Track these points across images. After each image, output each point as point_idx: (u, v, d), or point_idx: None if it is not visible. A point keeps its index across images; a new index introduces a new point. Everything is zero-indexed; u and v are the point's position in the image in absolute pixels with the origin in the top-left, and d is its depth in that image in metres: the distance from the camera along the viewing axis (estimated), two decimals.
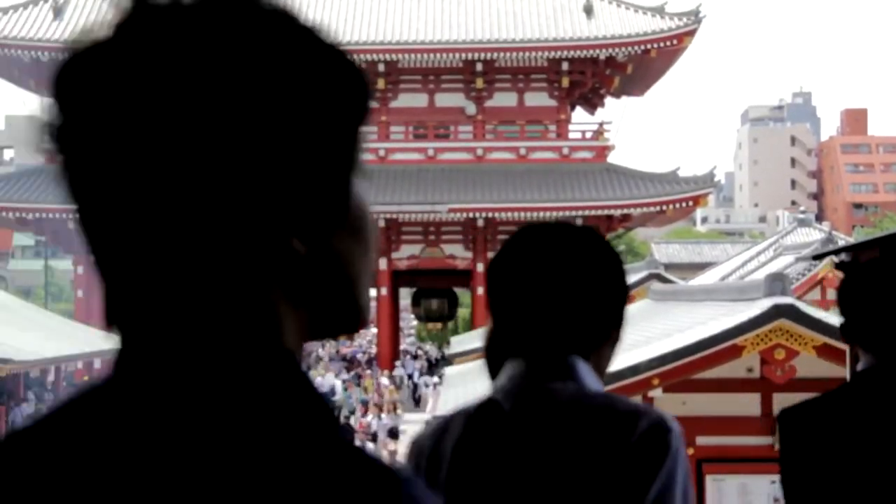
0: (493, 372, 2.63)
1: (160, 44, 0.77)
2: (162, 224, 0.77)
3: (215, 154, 0.76)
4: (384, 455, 17.71)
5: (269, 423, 0.78)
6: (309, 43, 0.81)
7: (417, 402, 35.18)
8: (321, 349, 57.42)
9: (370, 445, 21.80)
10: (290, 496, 0.76)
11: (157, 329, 0.80)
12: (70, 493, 0.77)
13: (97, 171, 0.79)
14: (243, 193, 0.77)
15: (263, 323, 0.80)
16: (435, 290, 44.62)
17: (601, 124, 41.53)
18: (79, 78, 0.80)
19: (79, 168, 0.80)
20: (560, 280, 1.80)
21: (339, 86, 0.81)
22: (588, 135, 41.35)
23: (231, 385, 0.78)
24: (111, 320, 0.83)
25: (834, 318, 12.57)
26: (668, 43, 39.43)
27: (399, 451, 20.13)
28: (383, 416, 26.85)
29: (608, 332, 1.84)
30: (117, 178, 0.78)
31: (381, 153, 40.35)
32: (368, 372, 37.26)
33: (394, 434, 24.52)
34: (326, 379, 34.97)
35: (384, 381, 34.38)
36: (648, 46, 39.31)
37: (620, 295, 1.85)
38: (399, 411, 26.70)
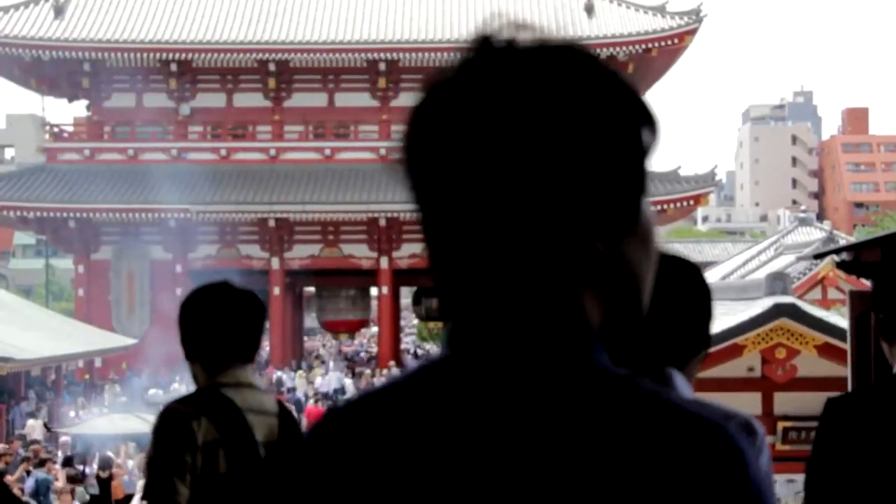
0: None
1: (498, 80, 0.96)
2: (499, 230, 0.96)
3: (545, 176, 0.95)
4: None
5: (590, 382, 0.97)
6: (612, 84, 0.99)
7: None
8: (322, 348, 57.42)
9: None
10: (633, 445, 0.93)
11: (490, 311, 0.99)
12: (438, 449, 0.96)
13: (450, 187, 0.97)
14: (561, 204, 0.96)
15: (572, 305, 1.00)
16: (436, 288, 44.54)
17: None
18: (435, 106, 0.98)
19: (432, 182, 0.98)
20: (660, 304, 2.00)
21: (637, 123, 1.00)
22: None
23: (553, 351, 0.98)
24: (444, 311, 1.02)
25: (834, 318, 12.57)
26: (669, 42, 39.43)
27: None
28: None
29: (698, 348, 2.09)
30: (467, 194, 0.96)
31: (382, 152, 40.32)
32: (368, 371, 37.24)
33: None
34: (330, 377, 34.92)
35: (383, 380, 34.25)
36: (649, 45, 39.31)
37: (708, 317, 2.10)
38: None
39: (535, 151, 0.94)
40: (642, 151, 1.00)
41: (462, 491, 0.93)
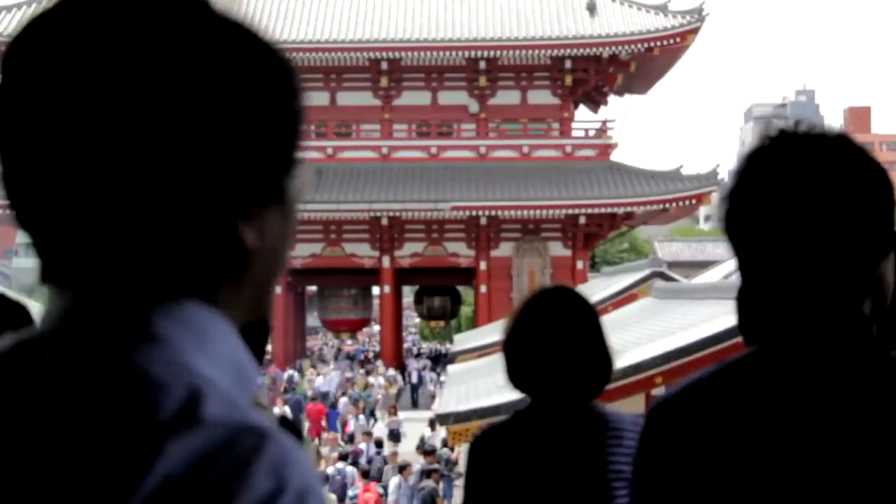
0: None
1: (794, 163, 1.42)
2: (808, 259, 1.44)
3: (839, 224, 1.40)
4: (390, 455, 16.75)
5: (881, 363, 1.37)
6: (865, 157, 1.44)
7: (416, 402, 34.98)
8: (324, 347, 57.45)
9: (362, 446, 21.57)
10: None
11: (798, 315, 1.41)
12: (777, 422, 1.32)
13: (773, 235, 1.43)
14: (852, 242, 1.42)
15: (859, 311, 1.40)
16: (437, 287, 44.58)
17: (604, 122, 41.51)
18: (756, 184, 1.43)
19: (758, 232, 1.46)
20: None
21: (881, 182, 1.43)
22: (591, 133, 41.33)
23: (850, 342, 1.38)
24: (744, 317, 1.51)
25: None
26: (672, 41, 39.40)
27: (398, 452, 20.02)
28: (361, 417, 26.59)
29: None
30: (785, 241, 1.42)
31: (385, 151, 40.33)
32: (363, 372, 37.23)
33: (395, 437, 24.35)
34: (332, 376, 34.89)
35: (380, 380, 34.17)
36: (651, 44, 39.28)
37: None
38: (397, 412, 26.47)
39: (834, 212, 1.36)
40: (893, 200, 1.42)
41: (804, 455, 1.28)
